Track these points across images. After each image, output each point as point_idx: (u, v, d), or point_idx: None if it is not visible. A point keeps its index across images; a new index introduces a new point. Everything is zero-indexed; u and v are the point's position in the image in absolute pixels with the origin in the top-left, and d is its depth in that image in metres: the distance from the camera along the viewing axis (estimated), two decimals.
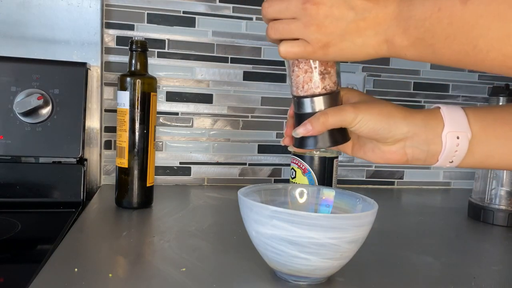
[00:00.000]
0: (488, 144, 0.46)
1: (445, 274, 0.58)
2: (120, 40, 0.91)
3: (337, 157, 0.78)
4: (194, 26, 0.95)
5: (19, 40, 0.84)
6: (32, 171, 0.81)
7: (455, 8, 0.37)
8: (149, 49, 0.79)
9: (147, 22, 0.93)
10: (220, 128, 0.99)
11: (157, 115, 0.93)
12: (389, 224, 0.77)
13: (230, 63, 0.97)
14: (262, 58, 0.99)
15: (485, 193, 0.85)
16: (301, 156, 0.76)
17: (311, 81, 0.46)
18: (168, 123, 0.96)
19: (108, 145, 0.93)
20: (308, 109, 0.47)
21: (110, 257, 0.56)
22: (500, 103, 0.84)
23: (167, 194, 0.88)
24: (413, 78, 1.08)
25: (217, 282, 0.50)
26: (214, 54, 0.96)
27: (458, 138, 0.45)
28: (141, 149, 0.75)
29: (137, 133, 0.74)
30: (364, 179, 1.08)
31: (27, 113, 0.78)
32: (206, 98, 0.97)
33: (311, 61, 0.46)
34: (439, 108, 0.47)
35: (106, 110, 0.92)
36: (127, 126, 0.74)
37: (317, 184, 0.75)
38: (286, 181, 0.94)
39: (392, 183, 1.10)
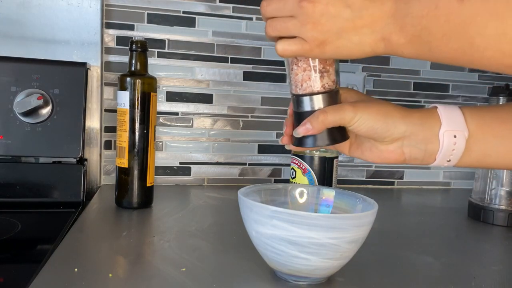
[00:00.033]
0: (485, 143, 0.46)
1: (445, 274, 0.58)
2: (120, 40, 0.91)
3: (337, 157, 0.78)
4: (194, 26, 0.95)
5: (19, 40, 0.84)
6: (32, 171, 0.81)
7: (452, 5, 0.37)
8: (149, 49, 0.79)
9: (147, 22, 0.93)
10: (220, 128, 0.99)
11: (157, 115, 0.93)
12: (389, 224, 0.77)
13: (230, 63, 0.97)
14: (262, 58, 0.99)
15: (485, 193, 0.85)
16: (301, 156, 0.76)
17: (309, 79, 0.46)
18: (168, 123, 0.96)
19: (108, 145, 0.93)
20: (307, 107, 0.47)
21: (110, 257, 0.56)
22: (500, 103, 0.84)
23: (167, 194, 0.88)
24: (413, 78, 1.08)
25: (217, 282, 0.50)
26: (214, 54, 0.96)
27: (455, 136, 0.45)
28: (141, 149, 0.75)
29: (137, 133, 0.74)
30: (364, 179, 1.08)
31: (27, 113, 0.78)
32: (206, 98, 0.97)
33: (310, 59, 0.46)
34: (436, 107, 0.47)
35: (106, 110, 0.92)
36: (127, 126, 0.74)
37: (317, 184, 0.75)
38: (286, 181, 0.94)
39: (392, 183, 1.10)
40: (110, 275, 0.50)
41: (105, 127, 0.92)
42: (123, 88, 0.74)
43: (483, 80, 1.12)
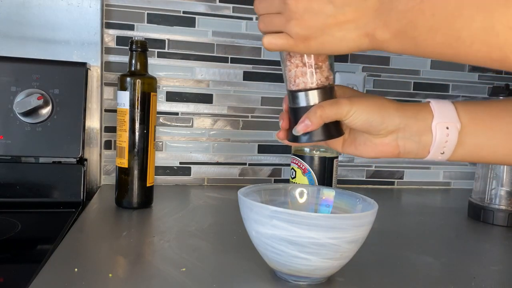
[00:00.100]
0: (478, 136, 0.47)
1: (445, 274, 0.58)
2: (120, 40, 0.91)
3: (337, 157, 0.78)
4: (194, 26, 0.95)
5: (19, 40, 0.84)
6: (32, 171, 0.81)
7: None
8: (149, 49, 0.79)
9: (147, 22, 0.93)
10: (220, 128, 0.99)
11: (157, 115, 0.93)
12: (389, 224, 0.77)
13: (230, 63, 0.97)
14: (262, 58, 0.99)
15: (485, 193, 0.85)
16: (301, 156, 0.76)
17: (302, 75, 0.47)
18: (168, 123, 0.96)
19: (108, 145, 0.93)
20: (302, 102, 0.48)
21: (110, 257, 0.56)
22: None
23: (167, 194, 0.88)
24: (413, 78, 1.08)
25: (217, 282, 0.50)
26: (214, 54, 0.96)
27: (447, 128, 0.46)
28: (141, 149, 0.75)
29: (137, 133, 0.74)
30: (364, 179, 1.08)
31: (27, 113, 0.78)
32: (206, 98, 0.97)
33: (305, 56, 0.46)
34: (429, 102, 0.48)
35: (106, 110, 0.92)
36: (127, 126, 0.74)
37: (317, 184, 0.75)
38: (286, 181, 0.94)
39: (392, 183, 1.10)
40: (110, 275, 0.50)
41: (105, 127, 0.92)
42: (123, 88, 0.74)
43: (483, 80, 1.12)
